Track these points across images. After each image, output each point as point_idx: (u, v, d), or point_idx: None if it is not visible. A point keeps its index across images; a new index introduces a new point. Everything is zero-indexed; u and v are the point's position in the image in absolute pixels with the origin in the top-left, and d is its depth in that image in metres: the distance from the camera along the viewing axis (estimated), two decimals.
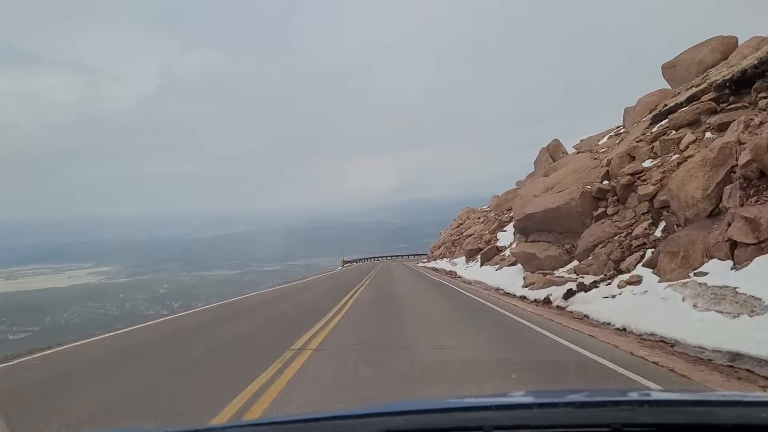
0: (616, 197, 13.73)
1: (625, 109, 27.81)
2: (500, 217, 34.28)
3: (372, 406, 1.91)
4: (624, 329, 7.58)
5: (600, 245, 12.56)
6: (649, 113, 21.76)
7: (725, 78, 12.79)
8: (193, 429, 1.70)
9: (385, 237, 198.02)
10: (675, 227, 10.02)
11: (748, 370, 4.92)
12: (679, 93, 17.90)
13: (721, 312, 6.35)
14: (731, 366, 5.12)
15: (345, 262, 63.73)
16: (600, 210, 14.61)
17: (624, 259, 10.90)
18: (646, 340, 6.80)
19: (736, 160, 8.71)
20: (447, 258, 41.30)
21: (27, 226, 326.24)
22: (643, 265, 9.96)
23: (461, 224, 51.36)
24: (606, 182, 14.99)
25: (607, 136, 24.50)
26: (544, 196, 17.11)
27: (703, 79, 16.94)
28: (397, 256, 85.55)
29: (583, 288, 10.66)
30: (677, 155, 12.08)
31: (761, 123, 9.37)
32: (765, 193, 7.78)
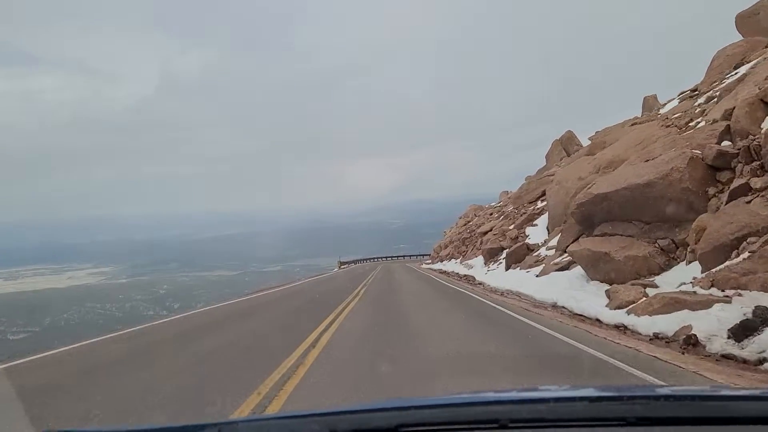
0: (755, 162, 8.51)
1: (645, 97, 23.06)
2: (522, 210, 29.08)
3: (388, 401, 1.73)
4: None
5: (752, 237, 7.34)
6: (733, 68, 16.61)
7: None
8: (203, 424, 1.51)
9: (384, 237, 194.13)
10: None
11: None
12: None
13: None
14: None
15: (342, 264, 60.55)
16: (715, 187, 9.43)
17: None
18: None
19: None
20: (457, 258, 36.62)
21: (27, 226, 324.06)
22: None
23: (469, 221, 47.03)
24: (726, 143, 9.75)
25: (675, 101, 19.32)
26: (624, 170, 11.80)
27: None
28: (397, 256, 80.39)
29: None
30: None
31: None
32: None
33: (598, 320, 8.42)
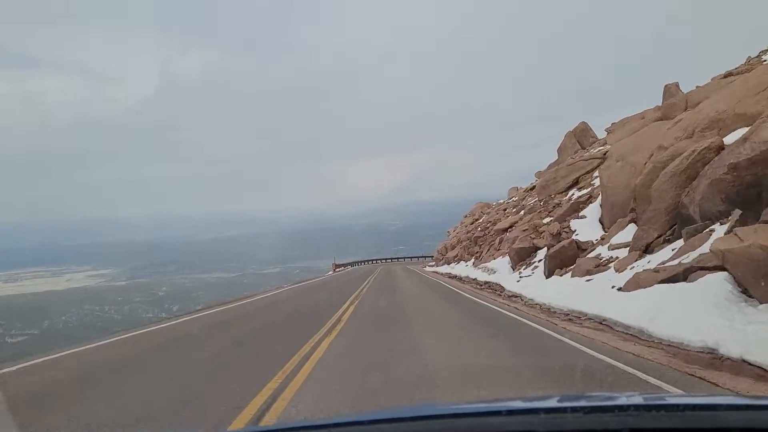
0: None
1: (666, 85, 23.59)
2: (553, 201, 24.17)
3: (382, 411, 1.88)
4: None
5: None
6: None
7: None
8: None
9: (384, 239, 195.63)
10: None
11: None
12: None
13: None
14: None
15: (337, 267, 57.91)
16: None
17: None
18: None
19: None
20: (468, 261, 32.32)
21: (27, 227, 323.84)
22: None
23: (477, 219, 44.67)
24: None
25: None
26: None
27: None
28: (397, 258, 78.20)
29: None
30: None
31: None
32: None
33: None
